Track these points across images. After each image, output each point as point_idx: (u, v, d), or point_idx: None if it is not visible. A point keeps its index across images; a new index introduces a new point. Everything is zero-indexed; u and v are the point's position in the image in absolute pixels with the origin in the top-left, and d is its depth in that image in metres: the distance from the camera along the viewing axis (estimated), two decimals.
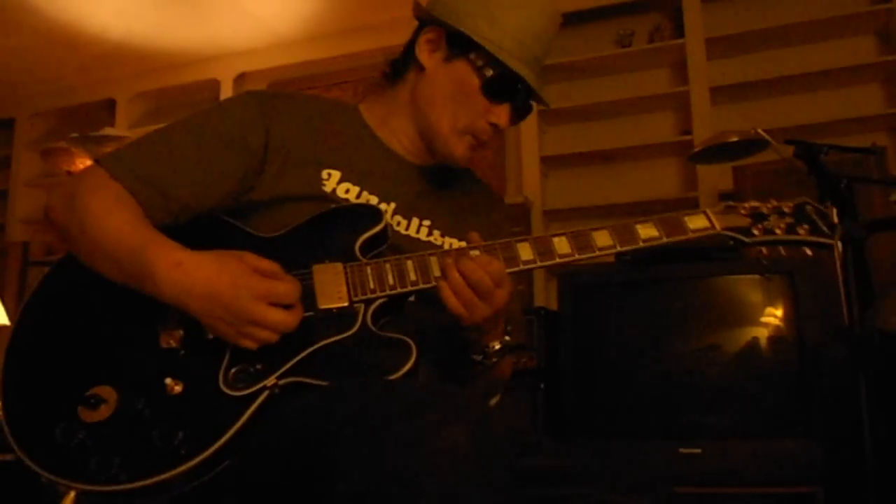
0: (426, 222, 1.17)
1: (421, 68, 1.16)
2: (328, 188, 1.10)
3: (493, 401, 1.21)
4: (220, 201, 1.07)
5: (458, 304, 0.96)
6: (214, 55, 4.30)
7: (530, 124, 3.56)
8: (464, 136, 1.13)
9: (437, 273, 0.99)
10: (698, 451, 2.10)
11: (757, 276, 2.21)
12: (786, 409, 2.10)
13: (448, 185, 1.25)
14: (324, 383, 0.91)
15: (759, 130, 2.00)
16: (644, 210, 3.47)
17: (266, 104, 1.11)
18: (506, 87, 1.11)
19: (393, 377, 0.89)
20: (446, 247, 1.17)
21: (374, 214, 1.06)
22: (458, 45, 1.11)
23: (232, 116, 1.09)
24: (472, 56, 1.10)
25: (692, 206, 3.26)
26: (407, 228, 1.15)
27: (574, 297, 2.38)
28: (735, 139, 2.08)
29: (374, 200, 1.13)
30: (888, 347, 2.07)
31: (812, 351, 2.10)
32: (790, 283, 2.16)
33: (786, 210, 1.07)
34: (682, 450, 2.11)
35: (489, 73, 1.10)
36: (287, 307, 0.91)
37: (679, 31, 3.45)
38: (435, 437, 0.70)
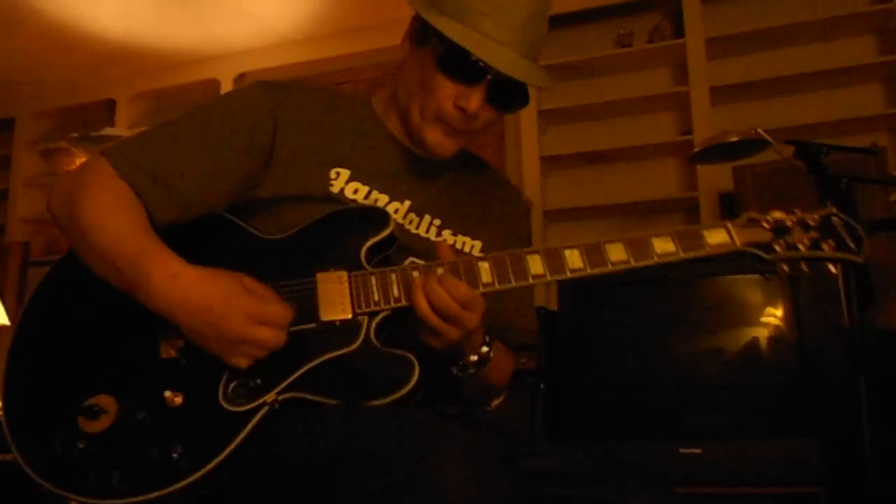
0: (436, 221, 1.14)
1: (404, 59, 1.13)
2: (335, 188, 1.08)
3: (497, 402, 1.20)
4: (226, 198, 1.05)
5: (425, 333, 0.95)
6: (214, 55, 4.29)
7: (530, 124, 3.56)
8: (434, 122, 1.08)
9: None
10: (698, 451, 2.10)
11: (757, 276, 2.21)
12: (786, 409, 2.10)
13: (460, 179, 1.21)
14: (323, 399, 0.90)
15: (759, 130, 1.99)
16: (644, 210, 3.48)
17: (275, 97, 1.08)
18: (458, 62, 1.02)
19: (393, 398, 0.88)
20: (458, 246, 1.15)
21: (381, 218, 1.03)
22: (427, 29, 1.06)
23: (240, 110, 1.06)
24: (431, 38, 1.05)
25: (692, 206, 3.28)
26: (418, 227, 1.13)
27: (574, 297, 2.38)
28: (735, 139, 2.08)
29: (384, 200, 1.10)
30: (888, 347, 2.07)
31: (812, 351, 2.10)
32: (790, 283, 2.15)
33: (811, 223, 1.00)
34: (682, 450, 2.11)
35: (442, 50, 1.03)
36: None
37: (679, 31, 3.45)
38: (433, 482, 0.70)
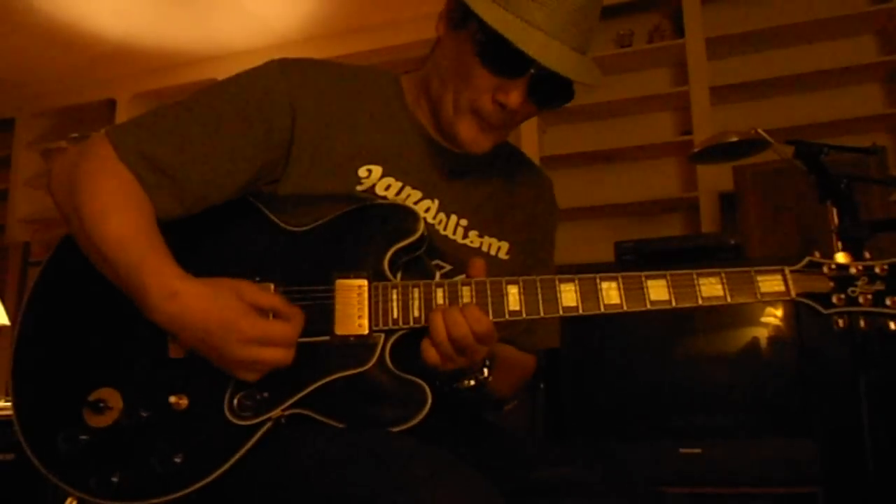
0: (463, 222, 1.07)
1: (439, 41, 1.03)
2: (364, 187, 0.99)
3: (508, 406, 1.17)
4: (237, 193, 0.98)
5: (434, 355, 0.89)
6: (214, 55, 4.30)
7: (530, 124, 3.56)
8: (468, 115, 0.98)
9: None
10: (698, 451, 2.10)
11: None
12: (786, 409, 2.10)
13: (488, 174, 1.12)
14: (330, 421, 0.88)
15: (759, 130, 1.99)
16: (644, 210, 3.48)
17: (294, 80, 1.00)
18: (499, 53, 0.92)
19: (401, 428, 0.86)
20: (484, 249, 1.09)
21: (411, 219, 0.96)
22: (466, 12, 0.94)
23: (255, 97, 0.98)
24: (472, 23, 0.94)
25: (692, 206, 3.28)
26: (445, 228, 1.05)
27: None
28: (735, 139, 2.07)
29: (416, 196, 1.02)
30: (888, 347, 2.07)
31: (812, 351, 2.10)
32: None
33: (878, 271, 0.91)
34: (682, 450, 2.11)
35: (482, 38, 0.93)
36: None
37: (679, 31, 3.45)
38: None
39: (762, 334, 2.20)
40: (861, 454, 1.76)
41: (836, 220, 1.57)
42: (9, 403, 0.94)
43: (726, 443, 2.09)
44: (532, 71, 0.93)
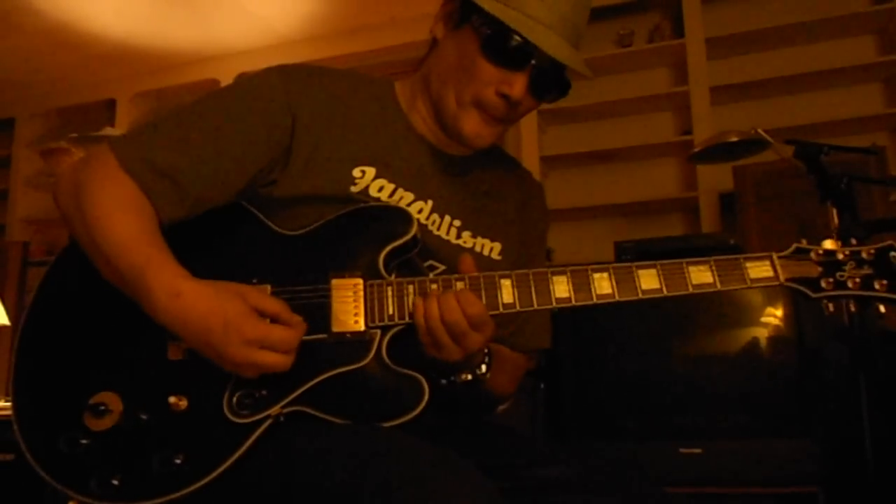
0: (456, 222, 1.09)
1: (436, 43, 1.07)
2: (358, 188, 1.01)
3: (502, 407, 1.17)
4: (238, 195, 1.00)
5: (428, 340, 0.90)
6: (214, 55, 4.30)
7: (530, 124, 3.56)
8: (471, 109, 1.02)
9: None
10: (698, 451, 2.10)
11: None
12: (786, 409, 2.10)
13: (479, 175, 1.15)
14: (328, 417, 0.88)
15: (759, 130, 1.99)
16: (644, 210, 3.48)
17: (293, 86, 1.03)
18: (505, 46, 0.97)
19: (399, 422, 0.86)
20: (477, 249, 1.10)
21: (404, 220, 0.98)
22: (466, 10, 1.00)
23: (255, 103, 1.00)
24: (474, 19, 0.99)
25: (692, 206, 3.28)
26: (439, 229, 1.07)
27: None
28: (735, 139, 2.07)
29: (409, 198, 1.04)
30: (888, 347, 2.07)
31: (812, 351, 2.10)
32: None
33: (865, 256, 0.91)
34: (682, 450, 2.11)
35: (487, 32, 0.97)
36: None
37: (679, 31, 3.45)
38: None
39: (762, 334, 2.19)
40: (861, 454, 1.76)
41: (836, 220, 1.57)
42: (9, 404, 0.94)
43: (726, 443, 2.09)
44: (533, 62, 0.98)
